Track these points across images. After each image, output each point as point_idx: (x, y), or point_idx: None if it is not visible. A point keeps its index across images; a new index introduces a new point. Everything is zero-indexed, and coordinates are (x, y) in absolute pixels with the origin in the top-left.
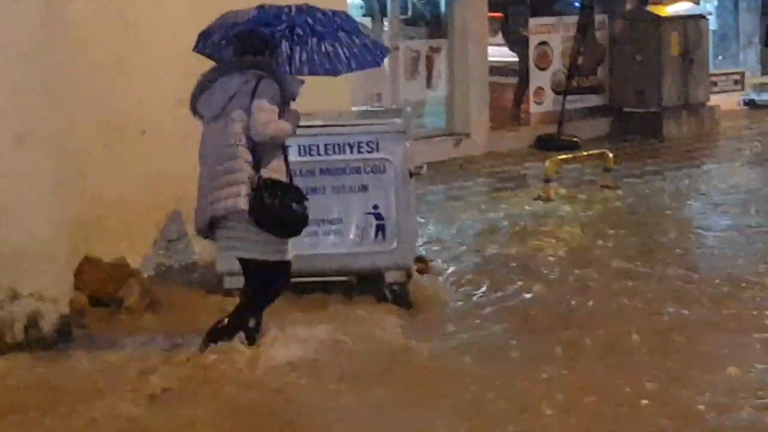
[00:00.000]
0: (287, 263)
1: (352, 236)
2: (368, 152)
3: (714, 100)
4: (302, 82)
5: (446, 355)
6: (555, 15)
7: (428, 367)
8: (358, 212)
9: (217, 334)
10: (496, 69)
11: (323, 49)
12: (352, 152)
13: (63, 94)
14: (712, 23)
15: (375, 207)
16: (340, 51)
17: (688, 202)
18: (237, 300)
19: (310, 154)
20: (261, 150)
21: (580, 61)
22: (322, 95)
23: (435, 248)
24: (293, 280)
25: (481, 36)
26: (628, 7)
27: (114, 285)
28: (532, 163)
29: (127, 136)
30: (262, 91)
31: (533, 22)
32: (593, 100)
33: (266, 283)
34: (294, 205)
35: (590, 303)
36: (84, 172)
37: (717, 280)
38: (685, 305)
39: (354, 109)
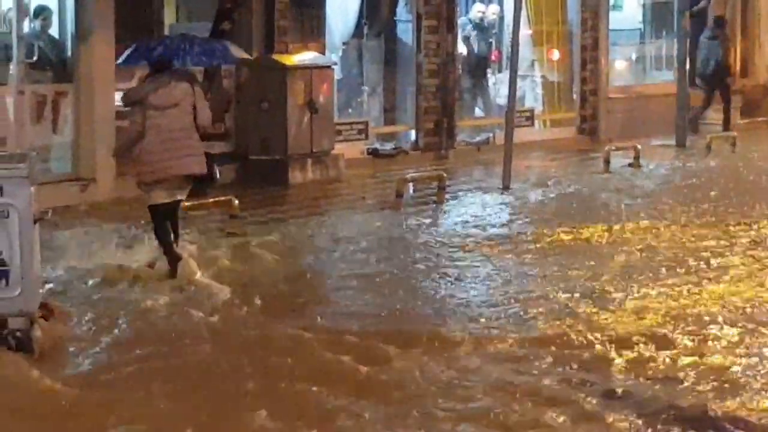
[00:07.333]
0: None
1: None
2: None
3: (339, 148)
4: None
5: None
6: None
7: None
8: None
9: None
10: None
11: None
12: None
13: None
14: (337, 73)
15: None
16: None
17: (308, 249)
18: None
19: None
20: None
21: None
22: None
23: (63, 293)
24: None
25: (107, 80)
26: (255, 55)
27: None
28: None
29: None
30: (202, 93)
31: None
32: (220, 147)
33: None
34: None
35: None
36: None
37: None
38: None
39: None
